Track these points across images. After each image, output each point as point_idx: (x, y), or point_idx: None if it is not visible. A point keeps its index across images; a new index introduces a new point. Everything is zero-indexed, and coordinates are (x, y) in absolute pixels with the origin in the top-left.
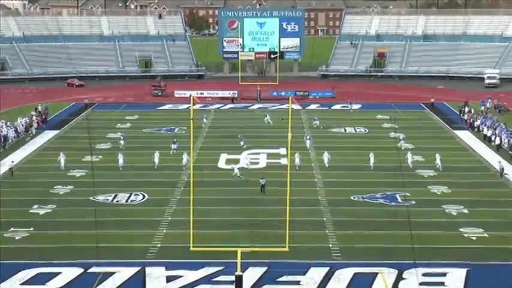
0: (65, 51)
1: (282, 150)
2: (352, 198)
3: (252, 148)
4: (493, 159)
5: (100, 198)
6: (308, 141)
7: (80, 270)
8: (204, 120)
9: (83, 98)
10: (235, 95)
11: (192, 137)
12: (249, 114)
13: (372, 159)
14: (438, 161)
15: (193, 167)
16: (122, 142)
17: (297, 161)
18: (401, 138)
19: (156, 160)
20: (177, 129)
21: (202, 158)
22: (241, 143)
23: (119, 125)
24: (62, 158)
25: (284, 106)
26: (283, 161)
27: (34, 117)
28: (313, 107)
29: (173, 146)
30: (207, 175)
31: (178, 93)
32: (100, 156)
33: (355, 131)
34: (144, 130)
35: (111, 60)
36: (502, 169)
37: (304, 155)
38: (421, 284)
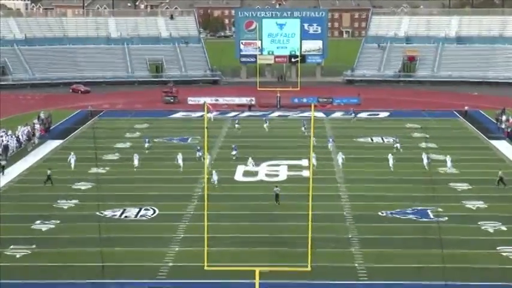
0: (69, 55)
1: (304, 162)
2: (379, 213)
3: (271, 159)
4: None
5: (107, 213)
6: (330, 145)
7: None
8: (237, 125)
9: (88, 105)
10: (253, 102)
11: (206, 147)
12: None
13: (390, 160)
14: (449, 164)
15: (208, 179)
16: (146, 145)
17: (313, 161)
18: (396, 140)
19: (180, 162)
20: (190, 138)
21: (217, 169)
22: (234, 152)
23: (127, 134)
24: (72, 158)
25: (306, 114)
26: (305, 173)
27: (36, 126)
28: (337, 114)
29: (199, 154)
30: (222, 188)
31: (191, 100)
32: (107, 168)
33: (383, 140)
34: (155, 140)
35: (119, 64)
36: (501, 178)
37: (328, 167)
38: None
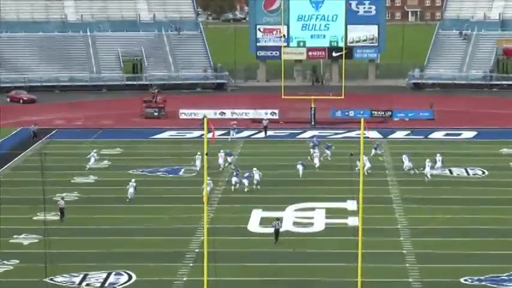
0: (6, 48)
1: (351, 204)
2: (462, 280)
3: (301, 201)
4: None
5: (60, 279)
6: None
7: None
8: (376, 152)
9: (33, 120)
10: (276, 116)
11: (206, 183)
12: (297, 146)
13: (439, 162)
14: (428, 170)
15: (209, 230)
16: (230, 159)
17: (368, 164)
18: (376, 147)
19: (131, 190)
20: (183, 170)
21: (223, 215)
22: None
23: (91, 162)
24: (92, 157)
25: (353, 134)
26: (352, 221)
27: None
28: (399, 134)
29: (235, 180)
30: (230, 243)
31: (184, 113)
32: (60, 214)
33: (467, 173)
34: (130, 172)
35: (79, 60)
36: None
37: (385, 212)
38: None
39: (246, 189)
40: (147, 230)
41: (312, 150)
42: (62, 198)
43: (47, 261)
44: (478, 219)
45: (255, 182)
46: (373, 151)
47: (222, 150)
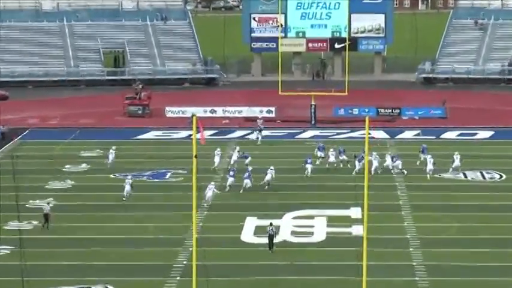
0: None
1: (354, 211)
2: None
3: (300, 208)
4: None
5: None
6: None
7: None
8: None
9: (4, 119)
10: (272, 114)
11: (195, 188)
12: (296, 148)
13: (457, 160)
14: (430, 167)
15: (198, 240)
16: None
17: (376, 163)
18: (423, 150)
19: (128, 188)
20: (169, 174)
21: (214, 225)
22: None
23: (68, 166)
24: (111, 155)
25: (357, 134)
26: (357, 229)
27: None
28: (408, 134)
29: (231, 180)
30: (222, 255)
31: (171, 111)
32: (35, 222)
33: (483, 177)
34: (112, 176)
35: (55, 53)
36: None
37: (393, 220)
38: None
39: (248, 188)
40: (130, 241)
41: (319, 153)
42: (48, 204)
43: (21, 274)
44: (495, 228)
45: (266, 182)
46: (421, 155)
47: (238, 147)
